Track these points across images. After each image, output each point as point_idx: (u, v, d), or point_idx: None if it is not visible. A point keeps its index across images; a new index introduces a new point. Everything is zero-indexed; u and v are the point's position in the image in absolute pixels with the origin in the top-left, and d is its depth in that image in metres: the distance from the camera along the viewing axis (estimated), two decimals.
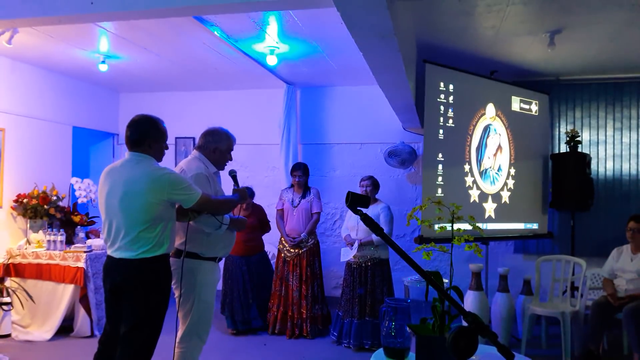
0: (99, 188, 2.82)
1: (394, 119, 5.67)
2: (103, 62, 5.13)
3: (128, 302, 2.67)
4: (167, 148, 2.88)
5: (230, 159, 3.18)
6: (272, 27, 4.15)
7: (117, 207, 2.65)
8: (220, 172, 3.22)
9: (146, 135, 2.73)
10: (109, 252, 2.74)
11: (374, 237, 4.55)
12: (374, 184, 4.77)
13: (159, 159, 2.82)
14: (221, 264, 3.24)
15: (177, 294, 2.95)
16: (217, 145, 3.07)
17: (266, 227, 5.30)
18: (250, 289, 5.04)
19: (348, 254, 4.68)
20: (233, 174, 3.20)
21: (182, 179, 2.72)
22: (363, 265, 4.63)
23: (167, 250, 2.73)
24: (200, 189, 2.81)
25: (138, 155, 2.73)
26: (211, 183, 2.98)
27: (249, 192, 5.15)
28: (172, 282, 2.91)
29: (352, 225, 4.78)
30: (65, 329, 4.85)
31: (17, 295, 4.71)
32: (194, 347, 2.93)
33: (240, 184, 3.29)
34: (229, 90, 6.59)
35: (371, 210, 4.66)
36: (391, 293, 4.73)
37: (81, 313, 4.78)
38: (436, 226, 3.12)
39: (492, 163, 5.08)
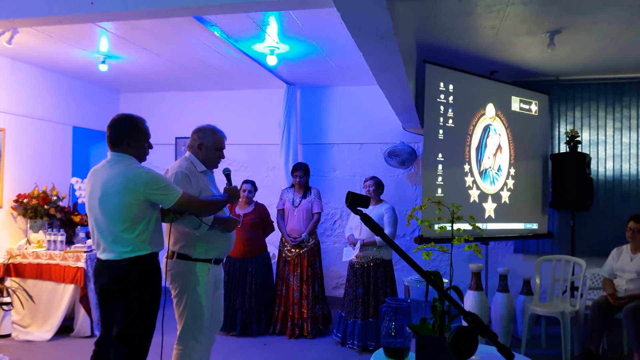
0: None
1: (394, 119, 5.67)
2: (103, 62, 5.13)
3: (117, 303, 2.66)
4: (150, 147, 2.83)
5: (221, 157, 3.10)
6: (272, 27, 4.15)
7: (97, 208, 2.64)
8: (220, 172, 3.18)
9: (124, 134, 2.71)
10: (97, 254, 2.73)
11: (377, 237, 4.54)
12: (377, 184, 4.75)
13: (142, 158, 2.80)
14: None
15: (172, 294, 2.95)
16: (201, 142, 3.03)
17: (268, 228, 5.20)
18: (250, 293, 4.99)
19: (350, 254, 4.67)
20: (227, 173, 3.12)
21: (160, 179, 2.67)
22: (365, 265, 4.62)
23: (152, 250, 2.69)
24: (184, 189, 2.79)
25: (117, 155, 2.71)
26: (193, 182, 2.91)
27: (249, 186, 5.14)
28: (168, 283, 2.92)
29: (355, 225, 4.77)
30: (65, 329, 4.85)
31: (17, 295, 4.71)
32: (190, 349, 2.93)
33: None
34: (229, 90, 6.59)
35: (375, 211, 4.65)
36: (394, 294, 4.70)
37: (81, 313, 4.78)
38: (436, 226, 3.12)
39: (492, 163, 5.08)
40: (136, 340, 2.64)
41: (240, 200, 5.05)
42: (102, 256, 2.68)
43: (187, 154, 3.07)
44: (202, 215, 2.83)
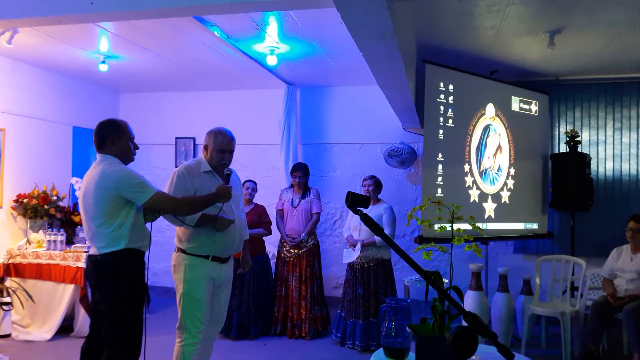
0: None
1: (394, 119, 5.67)
2: (103, 62, 5.13)
3: (99, 297, 2.79)
4: (136, 147, 2.94)
5: (223, 159, 3.11)
6: (272, 27, 4.15)
7: (81, 207, 2.83)
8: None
9: (106, 135, 2.84)
10: None
11: (377, 238, 4.53)
12: (376, 184, 4.75)
13: (127, 157, 2.90)
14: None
15: (175, 285, 3.09)
16: (206, 143, 3.15)
17: (263, 226, 5.09)
18: (248, 295, 4.95)
19: (351, 256, 4.66)
20: (226, 173, 3.13)
21: (133, 176, 2.75)
22: (365, 265, 4.62)
23: (128, 246, 2.75)
24: (171, 187, 2.95)
25: (102, 157, 2.85)
26: (188, 181, 3.00)
27: (251, 184, 5.15)
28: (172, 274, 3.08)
29: (354, 226, 4.77)
30: (65, 329, 4.85)
31: (17, 295, 4.71)
32: (188, 342, 2.98)
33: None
34: (229, 90, 6.59)
35: (374, 211, 4.65)
36: (394, 293, 4.71)
37: (81, 313, 4.78)
38: (436, 226, 3.12)
39: (492, 163, 5.08)
40: (121, 337, 2.72)
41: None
42: (89, 252, 2.86)
43: (201, 154, 3.22)
44: (179, 214, 2.92)
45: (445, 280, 3.13)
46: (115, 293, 2.73)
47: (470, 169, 4.85)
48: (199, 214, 2.96)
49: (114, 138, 2.84)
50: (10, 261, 4.91)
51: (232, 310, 4.89)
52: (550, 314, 4.37)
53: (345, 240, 4.83)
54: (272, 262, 5.39)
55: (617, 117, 5.61)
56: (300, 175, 5.10)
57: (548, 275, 4.80)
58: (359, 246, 4.58)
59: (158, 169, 6.68)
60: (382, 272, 4.62)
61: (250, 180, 5.23)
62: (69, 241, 5.28)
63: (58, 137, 5.91)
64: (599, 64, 5.18)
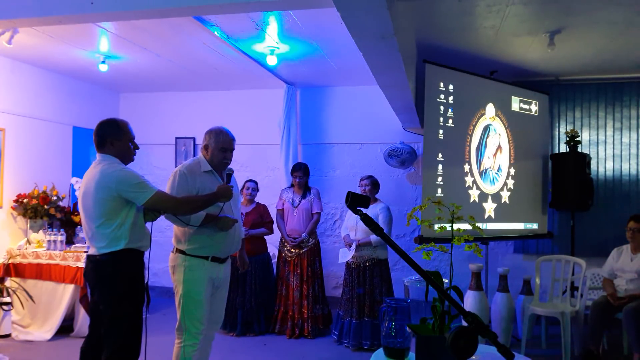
0: None
1: (394, 119, 5.67)
2: (103, 62, 5.13)
3: (98, 297, 2.79)
4: (136, 147, 2.93)
5: (225, 158, 3.12)
6: (272, 27, 4.15)
7: (81, 207, 2.81)
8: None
9: (106, 135, 2.84)
10: None
11: (372, 237, 4.56)
12: (373, 184, 4.77)
13: (127, 157, 2.89)
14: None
15: (173, 287, 3.08)
16: (206, 143, 3.13)
17: (265, 226, 5.14)
18: (250, 293, 5.00)
19: (346, 255, 4.69)
20: (227, 173, 3.14)
21: (133, 177, 2.74)
22: (361, 265, 4.64)
23: (127, 246, 2.75)
24: (173, 187, 2.93)
25: (101, 156, 2.85)
26: (190, 181, 2.98)
27: (252, 184, 5.16)
28: (171, 275, 3.06)
29: (351, 225, 4.79)
30: (65, 329, 4.86)
31: (17, 295, 4.71)
32: (188, 343, 2.98)
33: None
34: (229, 90, 6.59)
35: (370, 210, 4.66)
36: (390, 293, 4.73)
37: (81, 313, 4.78)
38: (436, 226, 3.12)
39: (492, 163, 5.08)
40: (121, 338, 2.72)
41: (242, 199, 5.07)
42: (89, 252, 2.85)
43: (199, 154, 3.19)
44: (179, 214, 2.90)
45: (445, 280, 3.13)
46: (114, 293, 2.73)
47: (470, 169, 4.85)
48: (204, 213, 2.95)
49: (113, 138, 2.83)
50: (10, 261, 4.91)
51: (237, 309, 4.98)
52: (550, 314, 4.37)
53: (343, 240, 4.85)
54: (273, 261, 5.40)
55: (617, 117, 5.60)
56: (301, 175, 5.11)
57: (548, 275, 4.80)
58: (354, 246, 4.61)
59: (158, 169, 6.68)
60: (378, 271, 4.64)
61: (251, 180, 5.25)
62: (69, 241, 5.28)
63: (58, 137, 5.91)
64: (599, 64, 5.18)
